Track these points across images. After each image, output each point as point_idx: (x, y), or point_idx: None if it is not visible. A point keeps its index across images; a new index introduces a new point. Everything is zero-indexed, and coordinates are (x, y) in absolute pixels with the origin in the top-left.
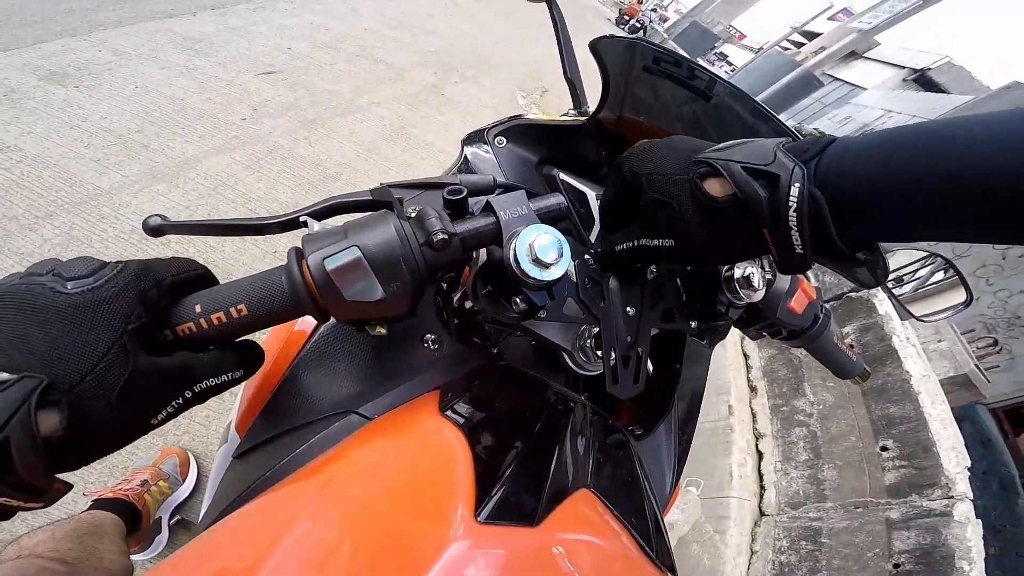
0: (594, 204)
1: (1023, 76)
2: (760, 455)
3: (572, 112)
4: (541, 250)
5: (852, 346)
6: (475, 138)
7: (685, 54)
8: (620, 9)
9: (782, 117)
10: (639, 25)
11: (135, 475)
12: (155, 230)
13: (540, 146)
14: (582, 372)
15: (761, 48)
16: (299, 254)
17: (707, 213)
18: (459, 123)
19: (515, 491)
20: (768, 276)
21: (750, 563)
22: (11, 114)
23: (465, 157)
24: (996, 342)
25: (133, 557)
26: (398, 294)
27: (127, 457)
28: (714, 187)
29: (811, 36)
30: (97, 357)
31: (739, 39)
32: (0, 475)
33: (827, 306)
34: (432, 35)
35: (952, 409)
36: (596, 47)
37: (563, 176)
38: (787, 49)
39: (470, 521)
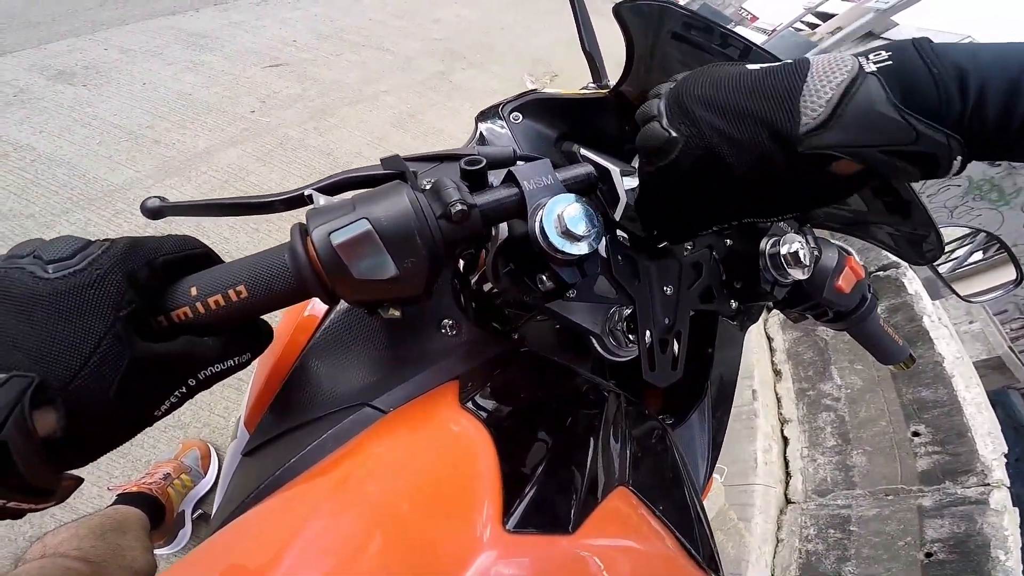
0: (619, 181)
1: None
2: (786, 441)
3: (592, 86)
4: (571, 221)
5: (896, 328)
6: (489, 114)
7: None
8: None
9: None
10: None
11: (157, 468)
12: (154, 212)
13: (559, 121)
14: (613, 359)
15: (775, 30)
16: (303, 230)
17: (830, 188)
18: (468, 109)
19: (547, 494)
20: (816, 252)
21: (775, 552)
22: (22, 114)
23: (480, 133)
24: None
25: (158, 552)
26: (412, 271)
27: (149, 451)
28: (841, 167)
29: (824, 17)
30: (89, 349)
31: (751, 21)
32: (3, 479)
33: (874, 287)
34: (438, 23)
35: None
36: (620, 12)
37: (584, 152)
38: (800, 30)
39: (498, 529)
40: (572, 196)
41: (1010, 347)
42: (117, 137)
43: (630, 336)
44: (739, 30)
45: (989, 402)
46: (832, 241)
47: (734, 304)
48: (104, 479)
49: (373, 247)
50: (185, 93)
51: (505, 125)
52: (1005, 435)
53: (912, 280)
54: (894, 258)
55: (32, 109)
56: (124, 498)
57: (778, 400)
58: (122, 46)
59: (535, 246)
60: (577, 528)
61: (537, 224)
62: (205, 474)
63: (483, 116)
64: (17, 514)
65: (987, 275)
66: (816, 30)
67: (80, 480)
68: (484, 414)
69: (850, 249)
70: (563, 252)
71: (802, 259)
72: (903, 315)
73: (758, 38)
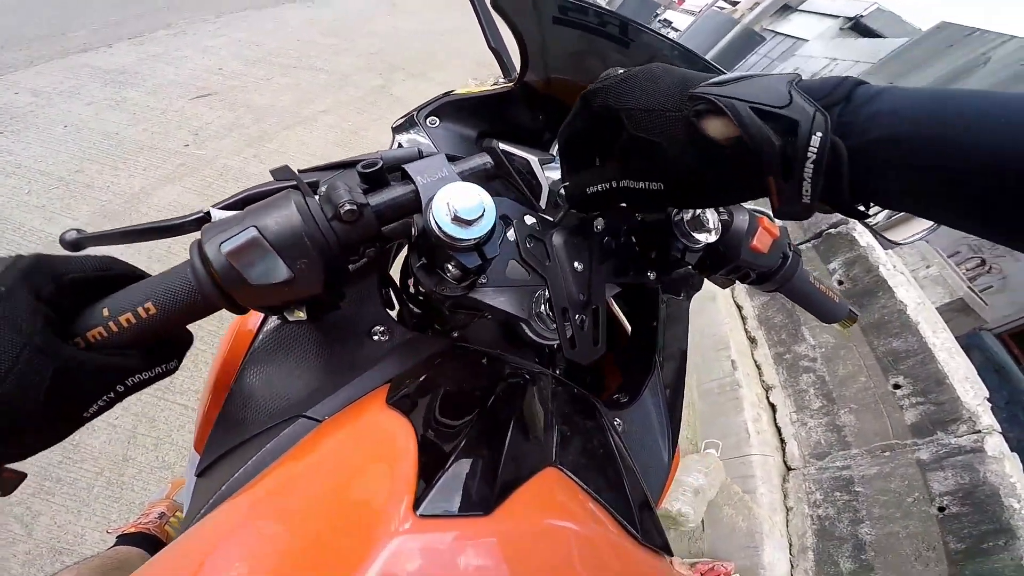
0: (538, 170)
1: (949, 16)
2: (773, 408)
3: (501, 81)
4: (461, 208)
5: (841, 282)
6: (406, 125)
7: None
8: None
9: (733, 74)
10: None
11: (152, 508)
12: (73, 244)
13: (475, 120)
14: (543, 342)
15: (700, 10)
16: (199, 244)
17: (704, 156)
18: None
19: (463, 478)
20: (723, 217)
21: (788, 520)
22: None
23: (398, 145)
24: (984, 262)
25: None
26: (306, 272)
27: (140, 493)
28: (715, 127)
29: None
30: (11, 361)
31: (679, 3)
32: None
33: (795, 245)
34: (372, 37)
35: (957, 338)
36: (499, 4)
37: (503, 146)
38: (723, 8)
39: (409, 515)
40: (461, 182)
41: (969, 287)
42: (47, 184)
43: (554, 317)
44: (671, 13)
45: (960, 347)
46: (743, 206)
47: (652, 275)
48: (103, 523)
49: (261, 251)
50: (111, 132)
51: (424, 132)
52: (987, 378)
53: (863, 233)
54: (841, 215)
55: None
56: (124, 539)
57: (758, 367)
58: (34, 88)
59: (432, 237)
60: (495, 508)
61: (431, 215)
62: None
63: (400, 128)
64: None
65: (913, 221)
66: (737, 6)
67: (23, 475)
68: (409, 409)
69: (764, 211)
70: (457, 238)
71: (705, 223)
72: (860, 267)
73: (685, 20)
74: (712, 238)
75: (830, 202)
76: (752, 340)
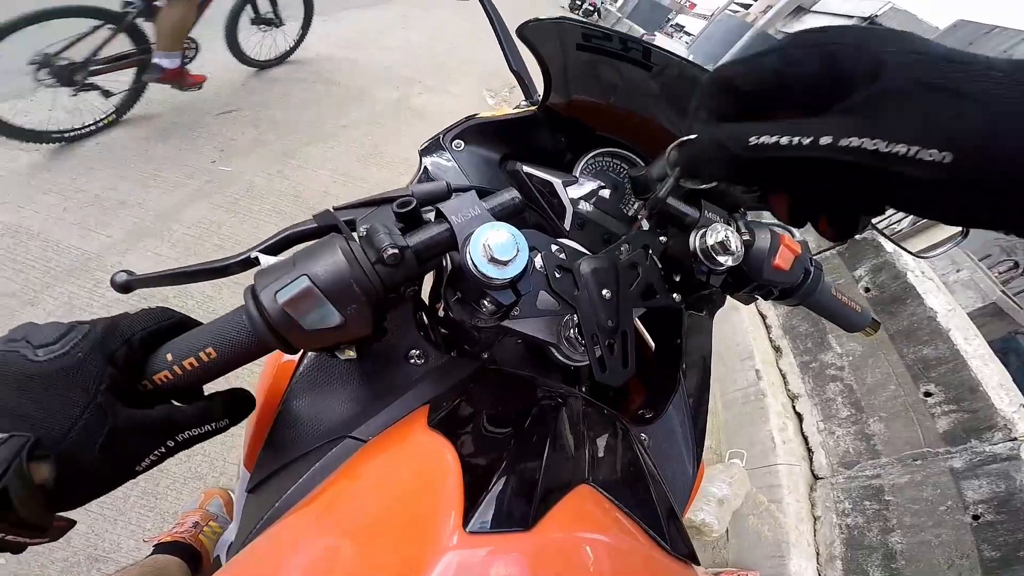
0: (562, 191)
1: (964, 14)
2: (800, 417)
3: (524, 104)
4: (497, 248)
5: (868, 289)
6: (432, 147)
7: (642, 29)
8: None
9: None
10: (592, 8)
11: (186, 518)
12: (123, 287)
13: (499, 143)
14: (571, 363)
15: (712, 14)
16: (253, 291)
17: None
18: (432, 133)
19: (505, 496)
20: (746, 238)
21: (815, 529)
22: None
23: (424, 168)
24: (1017, 264)
25: None
26: (356, 317)
27: (174, 502)
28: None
29: None
30: (75, 417)
31: (690, 8)
32: (4, 517)
33: (817, 259)
34: (387, 51)
35: (991, 343)
36: (523, 33)
37: (527, 169)
38: (736, 12)
39: (460, 532)
40: (497, 223)
41: (1003, 291)
42: (82, 202)
43: (583, 341)
44: (682, 18)
45: (994, 352)
46: (764, 222)
47: (677, 297)
48: (138, 532)
49: (316, 300)
50: (142, 150)
51: (450, 156)
52: (1022, 384)
53: (886, 240)
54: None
55: None
56: (161, 548)
57: (783, 377)
58: (64, 106)
59: (468, 276)
60: (535, 524)
61: (468, 256)
62: (232, 519)
63: (426, 150)
64: (17, 547)
65: (936, 229)
66: (750, 9)
67: (72, 522)
68: (450, 431)
69: (787, 228)
70: (493, 277)
71: (729, 247)
72: (887, 274)
73: (698, 24)
74: (735, 261)
75: None
76: (777, 349)
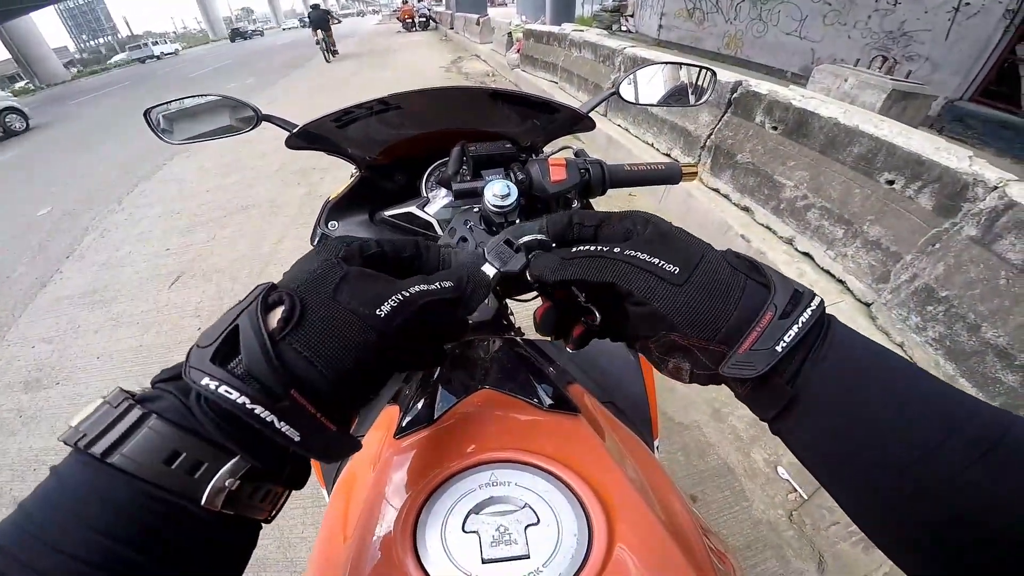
0: (421, 213)
1: None
2: (808, 256)
3: (355, 173)
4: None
5: (776, 127)
6: (319, 236)
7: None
8: (396, 16)
9: None
10: (425, 18)
11: None
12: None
13: (358, 207)
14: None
15: None
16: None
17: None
18: None
19: (418, 408)
20: (520, 176)
21: (910, 356)
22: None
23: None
24: (885, 57)
25: None
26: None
27: None
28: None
29: None
30: (310, 271)
31: None
32: (277, 477)
33: (586, 154)
34: (264, 158)
35: (935, 120)
36: (294, 144)
37: (387, 213)
38: None
39: (391, 439)
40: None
41: (893, 78)
42: None
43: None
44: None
45: (944, 126)
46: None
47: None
48: None
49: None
50: (135, 346)
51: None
52: (999, 137)
53: (759, 83)
54: (736, 76)
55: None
56: None
57: (768, 228)
58: (42, 336)
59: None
60: (438, 419)
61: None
62: None
63: (317, 240)
64: (269, 510)
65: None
66: None
67: (358, 445)
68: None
69: (550, 152)
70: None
71: (500, 192)
72: (779, 111)
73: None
74: (512, 201)
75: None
76: (746, 209)
